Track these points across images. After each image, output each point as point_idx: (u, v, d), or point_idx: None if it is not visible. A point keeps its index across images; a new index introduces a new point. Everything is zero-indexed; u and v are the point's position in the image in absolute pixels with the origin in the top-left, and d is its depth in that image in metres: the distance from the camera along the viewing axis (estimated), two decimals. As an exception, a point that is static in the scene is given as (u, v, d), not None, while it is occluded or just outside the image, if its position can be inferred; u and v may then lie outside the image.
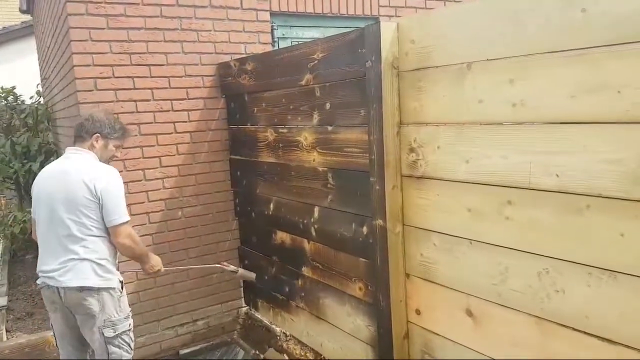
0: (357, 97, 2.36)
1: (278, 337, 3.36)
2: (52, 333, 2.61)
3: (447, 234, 2.07)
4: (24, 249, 5.31)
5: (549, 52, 1.63)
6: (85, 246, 2.35)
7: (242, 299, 3.85)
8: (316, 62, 2.60)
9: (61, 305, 2.40)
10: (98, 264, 2.37)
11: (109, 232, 2.40)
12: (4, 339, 3.33)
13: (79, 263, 2.34)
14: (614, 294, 1.55)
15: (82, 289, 2.33)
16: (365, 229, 2.43)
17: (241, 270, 3.37)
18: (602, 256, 1.57)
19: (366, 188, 2.34)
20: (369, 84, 2.22)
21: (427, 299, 2.23)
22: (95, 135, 2.51)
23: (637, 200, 1.46)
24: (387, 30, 2.14)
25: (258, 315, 3.66)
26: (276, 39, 3.73)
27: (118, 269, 2.52)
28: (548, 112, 1.66)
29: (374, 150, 2.23)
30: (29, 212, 4.88)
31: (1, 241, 5.62)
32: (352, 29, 2.39)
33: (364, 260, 2.48)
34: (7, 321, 3.65)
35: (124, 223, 2.40)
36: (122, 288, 2.48)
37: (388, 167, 2.19)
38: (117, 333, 2.43)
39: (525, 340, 1.84)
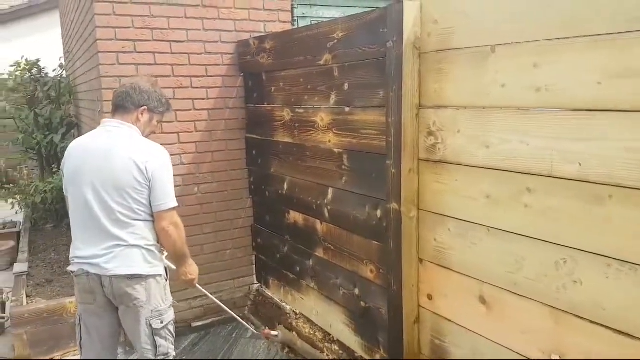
0: (377, 78, 2.32)
1: (288, 315, 3.39)
2: (77, 329, 2.34)
3: (463, 220, 2.05)
4: (44, 218, 5.42)
5: (576, 37, 1.58)
6: (133, 232, 2.16)
7: (254, 276, 3.89)
8: (336, 41, 2.56)
9: (101, 295, 2.20)
10: (148, 250, 2.20)
11: (154, 217, 2.21)
12: (24, 303, 3.42)
13: (126, 249, 2.15)
14: (633, 287, 1.51)
15: (131, 277, 2.15)
16: (379, 212, 2.41)
17: (281, 334, 3.22)
18: (623, 248, 1.53)
19: (382, 171, 2.31)
20: (389, 64, 2.18)
21: (440, 284, 2.21)
22: (142, 108, 2.26)
23: (661, 192, 1.42)
24: (410, 10, 2.10)
25: (269, 292, 3.69)
26: (296, 18, 3.70)
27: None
28: (573, 98, 1.61)
29: (391, 133, 2.20)
30: (50, 183, 5.01)
31: (22, 210, 5.76)
32: (373, 8, 2.35)
33: (376, 243, 2.47)
34: (27, 287, 3.74)
35: (172, 208, 2.22)
36: (167, 275, 2.33)
37: (405, 150, 2.16)
38: (164, 324, 2.28)
39: (538, 330, 1.82)
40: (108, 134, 2.23)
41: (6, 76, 5.35)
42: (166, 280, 2.31)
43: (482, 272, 2.01)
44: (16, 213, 5.75)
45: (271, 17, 3.60)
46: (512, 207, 1.85)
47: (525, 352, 1.87)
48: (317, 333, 3.10)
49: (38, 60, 5.42)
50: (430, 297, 2.28)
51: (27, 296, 3.56)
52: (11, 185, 5.83)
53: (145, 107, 2.28)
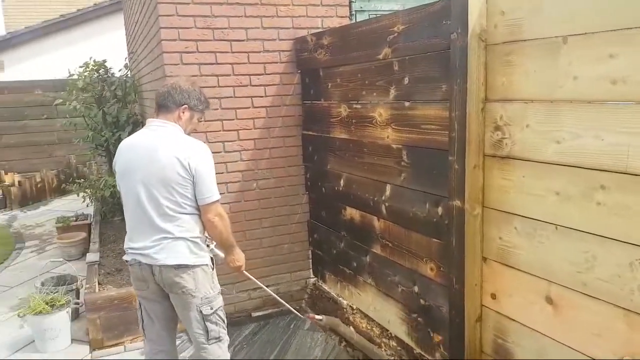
0: (439, 72, 2.27)
1: (345, 310, 3.40)
2: (139, 312, 2.51)
3: (530, 218, 1.97)
4: (113, 211, 5.70)
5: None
6: (179, 225, 2.28)
7: (311, 270, 3.94)
8: (396, 34, 2.53)
9: (153, 283, 2.35)
10: (193, 242, 2.32)
11: (200, 210, 2.33)
12: (97, 290, 3.62)
13: (173, 241, 2.28)
14: None
15: (178, 266, 2.28)
16: (440, 210, 2.37)
17: (325, 318, 3.26)
18: None
19: (444, 167, 2.27)
20: (453, 57, 2.13)
21: (504, 283, 2.15)
22: (183, 107, 2.37)
23: None
24: (475, 1, 2.03)
25: (325, 287, 3.73)
26: (354, 12, 3.68)
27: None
28: (654, 91, 1.51)
29: (455, 128, 2.15)
30: (118, 178, 5.25)
31: (93, 203, 6.08)
32: (435, 0, 2.30)
33: (437, 241, 2.43)
34: (99, 275, 3.96)
35: (215, 201, 2.32)
36: (213, 264, 2.43)
37: (470, 146, 2.11)
38: (214, 310, 2.39)
39: (609, 332, 1.73)
40: (153, 133, 2.34)
41: (76, 76, 5.61)
42: (213, 269, 2.41)
43: (549, 271, 1.93)
44: (87, 206, 6.09)
45: (329, 13, 3.60)
46: (583, 205, 1.76)
47: (595, 354, 1.79)
48: (374, 328, 3.10)
49: (105, 61, 5.66)
50: (493, 296, 2.22)
51: (99, 284, 3.76)
52: (82, 180, 6.15)
53: (186, 106, 2.38)
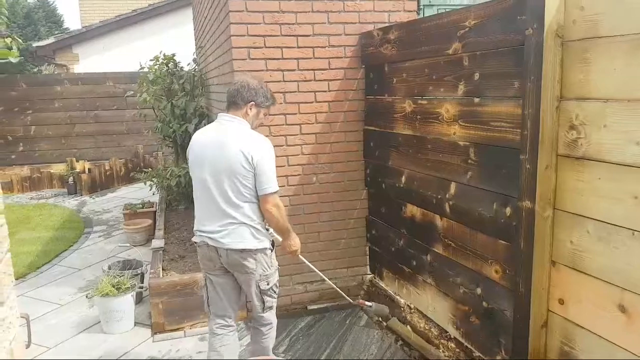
0: (512, 68, 2.21)
1: (402, 309, 3.38)
2: (204, 290, 2.75)
3: (605, 222, 1.89)
4: (177, 200, 5.92)
5: None
6: (243, 212, 2.49)
7: (368, 267, 3.94)
8: (467, 29, 2.48)
9: (218, 263, 2.59)
10: (255, 228, 2.53)
11: (259, 199, 2.52)
12: (161, 275, 3.79)
13: (238, 227, 2.50)
14: None
15: (242, 250, 2.51)
16: (508, 210, 2.31)
17: (375, 305, 3.40)
18: None
19: (514, 166, 2.21)
20: (528, 53, 2.06)
21: (574, 289, 2.07)
22: (250, 103, 2.56)
23: None
24: (553, -4, 1.96)
25: (382, 284, 3.72)
26: (422, 7, 3.64)
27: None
28: None
29: (527, 126, 2.09)
30: (184, 168, 5.45)
31: (158, 192, 6.35)
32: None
33: (503, 242, 2.37)
34: (163, 261, 4.13)
35: (274, 192, 2.49)
36: (272, 247, 2.64)
37: (543, 145, 2.04)
38: (269, 285, 2.65)
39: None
40: (222, 127, 2.56)
41: (146, 69, 5.86)
42: (272, 251, 2.64)
43: (623, 278, 1.84)
44: (153, 194, 6.35)
45: (396, 7, 3.57)
46: (667, 211, 1.67)
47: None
48: (432, 329, 3.07)
49: (174, 55, 5.88)
50: (561, 302, 2.14)
51: (162, 269, 3.92)
52: (149, 169, 6.43)
53: (253, 103, 2.58)
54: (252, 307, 2.74)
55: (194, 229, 2.67)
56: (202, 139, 2.59)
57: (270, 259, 2.63)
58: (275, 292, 2.71)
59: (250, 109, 2.57)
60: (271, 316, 2.76)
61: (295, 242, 2.73)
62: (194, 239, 2.68)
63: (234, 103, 2.58)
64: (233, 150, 2.44)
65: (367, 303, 3.38)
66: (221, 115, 2.62)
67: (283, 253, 2.83)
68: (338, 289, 3.26)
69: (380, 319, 3.56)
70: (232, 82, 2.62)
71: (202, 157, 2.54)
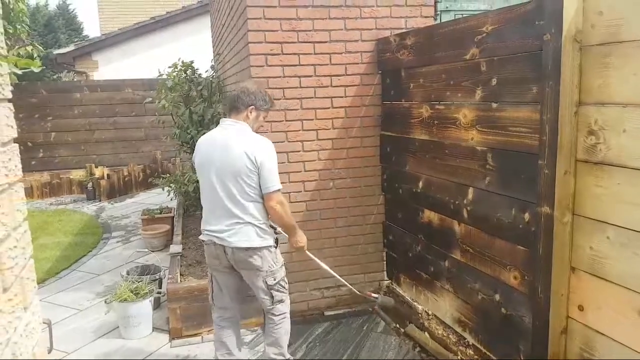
0: (530, 73, 2.21)
1: (420, 315, 3.37)
2: (209, 285, 2.92)
3: (625, 228, 1.87)
4: (195, 205, 5.94)
5: None
6: (248, 212, 2.62)
7: (385, 273, 3.93)
8: (484, 35, 2.48)
9: (225, 260, 2.72)
10: (259, 227, 2.66)
11: (264, 198, 2.64)
12: (179, 281, 3.81)
13: (244, 226, 2.63)
14: None
15: (248, 249, 2.64)
16: (527, 216, 2.30)
17: (381, 297, 3.46)
18: None
19: (532, 172, 2.20)
20: (546, 58, 2.06)
21: (594, 295, 2.05)
22: (250, 107, 2.70)
23: None
24: (571, 1, 1.96)
25: (399, 290, 3.71)
26: (439, 12, 3.64)
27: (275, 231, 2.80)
28: None
29: (545, 131, 2.08)
30: (201, 174, 5.50)
31: (176, 197, 6.40)
32: (527, 0, 2.23)
33: (522, 248, 2.36)
34: (181, 266, 4.16)
35: (277, 190, 2.62)
36: (276, 244, 2.75)
37: (561, 150, 2.03)
38: (277, 280, 2.77)
39: None
40: (226, 130, 2.69)
41: (165, 76, 5.93)
42: (276, 248, 2.76)
43: (646, 285, 1.82)
44: (170, 200, 6.41)
45: (413, 13, 3.59)
46: (690, 217, 1.65)
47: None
48: (450, 336, 3.05)
49: (192, 62, 5.94)
50: (581, 308, 2.12)
51: (180, 275, 3.94)
52: (167, 174, 6.50)
53: (253, 106, 2.72)
54: (261, 303, 2.84)
55: (201, 228, 2.80)
56: (208, 143, 2.73)
57: (275, 255, 2.74)
58: (283, 286, 2.82)
59: (251, 112, 2.71)
60: (284, 307, 2.86)
61: (302, 238, 2.84)
62: (200, 237, 2.81)
63: (235, 108, 2.72)
64: (237, 152, 2.57)
65: (373, 295, 3.43)
66: (224, 120, 2.76)
67: (290, 250, 2.94)
68: (343, 280, 3.22)
69: (387, 314, 3.56)
70: (232, 89, 2.73)
71: (208, 159, 2.67)
